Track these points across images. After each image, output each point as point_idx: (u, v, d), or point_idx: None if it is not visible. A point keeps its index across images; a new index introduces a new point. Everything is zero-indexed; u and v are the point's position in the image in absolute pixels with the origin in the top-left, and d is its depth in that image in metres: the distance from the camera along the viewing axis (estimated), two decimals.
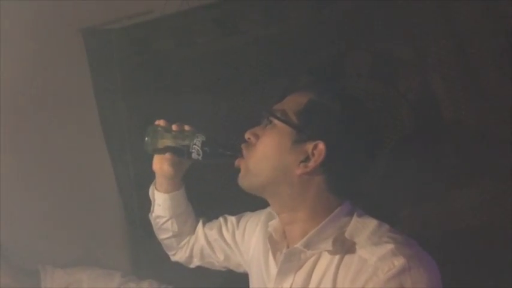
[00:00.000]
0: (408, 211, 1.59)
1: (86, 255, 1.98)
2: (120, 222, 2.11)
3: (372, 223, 1.09)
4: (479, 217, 1.51)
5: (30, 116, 1.95)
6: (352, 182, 1.13)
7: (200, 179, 1.74)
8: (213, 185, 1.84)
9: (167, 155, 1.30)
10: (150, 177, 1.43)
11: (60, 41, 1.98)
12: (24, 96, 1.94)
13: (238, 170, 1.18)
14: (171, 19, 1.93)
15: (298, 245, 1.10)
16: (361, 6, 1.62)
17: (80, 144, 2.00)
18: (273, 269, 1.19)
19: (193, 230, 1.47)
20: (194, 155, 1.25)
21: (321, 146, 1.07)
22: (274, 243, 1.20)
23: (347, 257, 1.05)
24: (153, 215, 1.44)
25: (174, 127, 1.29)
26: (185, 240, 1.47)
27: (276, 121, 1.13)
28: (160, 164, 1.34)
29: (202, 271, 1.53)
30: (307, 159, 1.09)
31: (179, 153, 1.29)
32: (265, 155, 1.12)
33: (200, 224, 1.47)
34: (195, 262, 1.49)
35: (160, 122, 1.32)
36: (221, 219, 1.46)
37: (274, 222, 1.22)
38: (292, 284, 1.12)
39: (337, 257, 1.06)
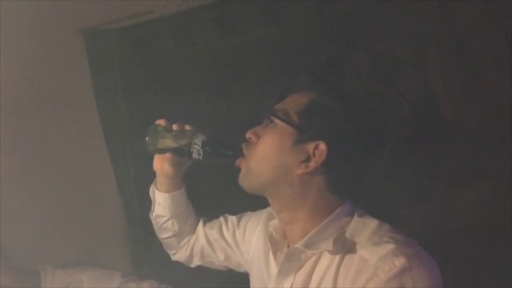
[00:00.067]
0: (408, 211, 1.59)
1: (86, 255, 1.99)
2: (120, 222, 2.12)
3: (372, 223, 1.09)
4: (479, 217, 1.51)
5: (30, 116, 1.96)
6: (353, 182, 1.13)
7: (201, 178, 1.74)
8: (214, 184, 1.85)
9: (168, 155, 1.30)
10: (150, 177, 1.43)
11: (60, 41, 1.98)
12: (24, 96, 1.94)
13: (238, 170, 1.18)
14: (171, 19, 1.93)
15: (299, 244, 1.10)
16: (361, 6, 1.62)
17: (80, 144, 2.00)
18: (274, 268, 1.19)
19: (193, 230, 1.47)
20: (195, 155, 1.25)
21: (322, 146, 1.07)
22: (274, 243, 1.20)
23: (348, 257, 1.05)
24: (154, 214, 1.44)
25: (174, 127, 1.29)
26: (185, 240, 1.47)
27: (277, 121, 1.13)
28: (161, 164, 1.34)
29: (202, 271, 1.53)
30: (308, 159, 1.08)
31: (180, 153, 1.29)
32: (266, 154, 1.12)
33: (201, 224, 1.47)
34: (196, 261, 1.49)
35: (161, 122, 1.32)
36: (222, 218, 1.46)
37: (275, 222, 1.22)
38: (292, 283, 1.12)
39: (337, 257, 1.06)
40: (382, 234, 1.06)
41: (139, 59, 2.02)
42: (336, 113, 1.10)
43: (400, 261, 0.99)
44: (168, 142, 1.29)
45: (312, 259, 1.10)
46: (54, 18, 1.93)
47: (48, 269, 1.90)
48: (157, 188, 1.41)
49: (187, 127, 1.29)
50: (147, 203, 1.47)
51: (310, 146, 1.08)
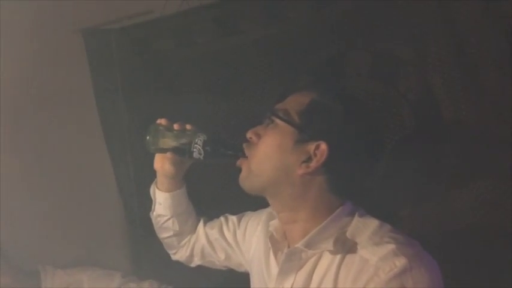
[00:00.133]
0: (408, 211, 1.59)
1: (86, 256, 1.99)
2: (120, 222, 2.12)
3: (373, 223, 1.09)
4: (479, 217, 1.51)
5: (30, 116, 1.96)
6: (353, 182, 1.13)
7: (201, 178, 1.74)
8: (214, 184, 1.85)
9: (168, 154, 1.30)
10: (150, 177, 1.44)
11: (60, 41, 1.98)
12: (24, 96, 1.94)
13: (239, 170, 1.18)
14: (171, 19, 1.93)
15: (299, 244, 1.10)
16: (361, 6, 1.62)
17: (80, 144, 2.00)
18: (274, 268, 1.19)
19: (194, 229, 1.47)
20: (195, 154, 1.25)
21: (323, 146, 1.07)
22: (275, 243, 1.20)
23: (348, 257, 1.06)
24: (154, 213, 1.44)
25: (175, 126, 1.29)
26: (186, 239, 1.47)
27: (278, 121, 1.13)
28: (162, 163, 1.34)
29: (202, 271, 1.53)
30: (309, 159, 1.09)
31: (180, 152, 1.29)
32: (267, 154, 1.12)
33: (201, 223, 1.47)
34: (196, 261, 1.49)
35: (162, 121, 1.32)
36: (222, 218, 1.46)
37: (275, 222, 1.22)
38: (293, 283, 1.12)
39: (338, 257, 1.06)
40: (382, 234, 1.06)
41: (139, 59, 2.02)
42: (337, 113, 1.10)
43: (400, 262, 0.99)
44: (169, 141, 1.29)
45: (313, 259, 1.10)
46: (54, 18, 1.93)
47: (48, 269, 1.90)
48: (158, 188, 1.41)
49: (188, 127, 1.29)
50: (147, 203, 1.47)
51: (311, 146, 1.08)
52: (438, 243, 1.37)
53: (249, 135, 1.17)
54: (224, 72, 1.87)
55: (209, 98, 1.89)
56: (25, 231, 1.86)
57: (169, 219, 1.42)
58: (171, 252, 1.52)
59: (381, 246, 1.02)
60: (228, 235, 1.41)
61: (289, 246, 1.17)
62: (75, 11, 1.95)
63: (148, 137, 1.29)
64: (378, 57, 1.62)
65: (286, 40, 1.76)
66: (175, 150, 1.29)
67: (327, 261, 1.08)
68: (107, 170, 2.09)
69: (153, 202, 1.43)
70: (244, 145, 1.18)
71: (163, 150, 1.30)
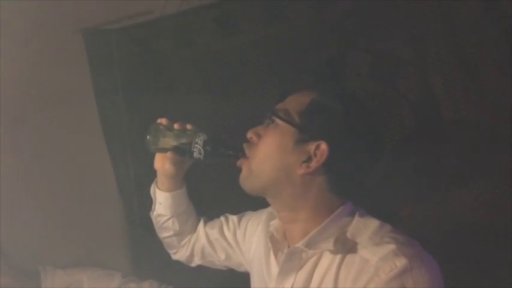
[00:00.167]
0: (408, 211, 1.59)
1: (86, 256, 1.99)
2: (120, 222, 2.11)
3: (373, 223, 1.09)
4: (479, 217, 1.51)
5: (30, 116, 1.95)
6: (354, 182, 1.13)
7: (201, 178, 1.74)
8: (214, 184, 1.84)
9: (169, 154, 1.30)
10: (150, 177, 1.44)
11: (60, 41, 1.98)
12: (24, 96, 1.94)
13: (239, 170, 1.18)
14: (171, 19, 1.93)
15: (300, 244, 1.10)
16: (361, 6, 1.62)
17: (80, 144, 2.00)
18: (274, 268, 1.19)
19: (194, 229, 1.47)
20: (196, 154, 1.25)
21: (324, 146, 1.07)
22: (275, 243, 1.20)
23: (348, 257, 1.06)
24: (154, 213, 1.45)
25: (176, 126, 1.30)
26: (186, 239, 1.47)
27: (278, 121, 1.13)
28: (162, 163, 1.34)
29: (202, 271, 1.53)
30: (309, 159, 1.09)
31: (181, 152, 1.29)
32: (267, 155, 1.12)
33: (201, 223, 1.47)
34: (196, 261, 1.49)
35: (162, 121, 1.32)
36: (222, 218, 1.46)
37: (276, 222, 1.22)
38: (293, 283, 1.12)
39: (338, 257, 1.07)
40: (383, 234, 1.06)
41: (139, 59, 2.01)
42: (337, 113, 1.10)
43: (401, 262, 0.99)
44: (170, 141, 1.29)
45: (313, 259, 1.10)
46: (54, 18, 1.92)
47: (48, 269, 1.90)
48: (158, 187, 1.41)
49: (188, 126, 1.29)
50: (147, 203, 1.47)
51: (312, 146, 1.08)
52: (438, 243, 1.37)
53: (249, 135, 1.17)
54: (224, 72, 1.86)
55: (209, 98, 1.88)
56: (25, 231, 1.86)
57: (169, 219, 1.42)
58: (171, 252, 1.52)
59: (381, 247, 1.03)
60: (229, 235, 1.41)
61: (289, 246, 1.17)
62: (75, 11, 1.95)
63: (148, 137, 1.30)
64: (378, 57, 1.62)
65: (286, 40, 1.75)
66: (175, 150, 1.29)
67: (327, 261, 1.08)
68: (107, 170, 2.09)
69: (154, 202, 1.44)
70: (244, 145, 1.18)
71: (164, 150, 1.31)
